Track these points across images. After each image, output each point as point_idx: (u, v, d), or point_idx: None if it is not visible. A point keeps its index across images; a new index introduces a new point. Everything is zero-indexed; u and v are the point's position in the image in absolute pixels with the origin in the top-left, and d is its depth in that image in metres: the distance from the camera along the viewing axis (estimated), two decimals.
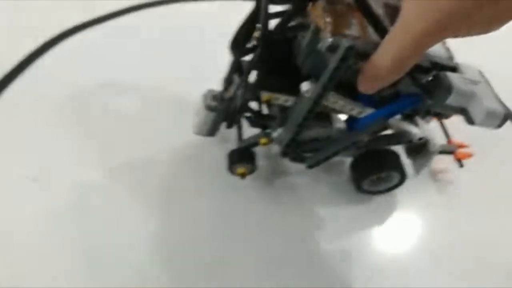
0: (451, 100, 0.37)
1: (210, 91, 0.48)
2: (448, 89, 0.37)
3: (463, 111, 0.38)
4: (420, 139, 0.44)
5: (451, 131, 0.55)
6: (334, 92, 0.39)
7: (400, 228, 0.50)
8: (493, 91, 0.39)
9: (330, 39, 0.35)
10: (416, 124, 0.44)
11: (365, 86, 0.35)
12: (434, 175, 0.55)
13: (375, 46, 0.34)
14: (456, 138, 0.55)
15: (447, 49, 0.40)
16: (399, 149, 0.50)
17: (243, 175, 0.47)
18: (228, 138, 0.54)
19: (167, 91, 0.59)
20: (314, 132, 0.43)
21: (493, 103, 0.37)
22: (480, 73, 0.41)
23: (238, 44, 0.41)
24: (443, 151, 0.52)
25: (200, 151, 0.53)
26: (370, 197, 0.51)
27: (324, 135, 0.44)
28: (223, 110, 0.47)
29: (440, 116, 0.43)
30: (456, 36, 0.36)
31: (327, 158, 0.44)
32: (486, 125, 0.37)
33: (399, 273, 0.46)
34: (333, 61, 0.35)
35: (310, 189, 0.51)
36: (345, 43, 0.34)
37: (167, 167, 0.51)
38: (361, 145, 0.43)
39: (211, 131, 0.50)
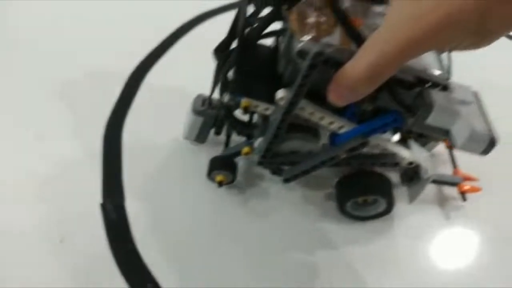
0: (431, 120, 0.34)
1: (199, 95, 0.48)
2: (428, 107, 0.34)
3: (446, 133, 0.35)
4: (411, 164, 0.41)
5: (464, 162, 0.51)
6: (310, 102, 0.37)
7: (366, 252, 0.46)
8: (484, 114, 0.35)
9: (300, 44, 0.33)
10: (408, 148, 0.41)
11: (334, 96, 0.33)
12: (441, 204, 0.50)
13: (352, 55, 0.32)
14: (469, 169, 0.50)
15: (443, 66, 0.37)
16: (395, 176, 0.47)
17: (220, 183, 0.46)
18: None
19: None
20: (293, 144, 0.41)
21: (479, 126, 0.33)
22: (475, 94, 0.37)
23: (221, 48, 0.40)
24: (446, 182, 0.48)
25: (188, 154, 0.52)
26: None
27: (304, 149, 0.42)
28: (212, 116, 0.47)
29: (424, 137, 0.39)
30: (442, 49, 0.33)
31: (304, 173, 0.42)
32: (469, 150, 0.34)
33: None
34: (303, 67, 0.34)
35: (286, 203, 0.48)
36: (314, 48, 0.32)
37: (151, 167, 0.51)
38: (338, 161, 0.40)
39: (200, 136, 0.49)
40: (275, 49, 0.42)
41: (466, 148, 0.34)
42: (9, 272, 0.42)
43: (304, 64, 0.33)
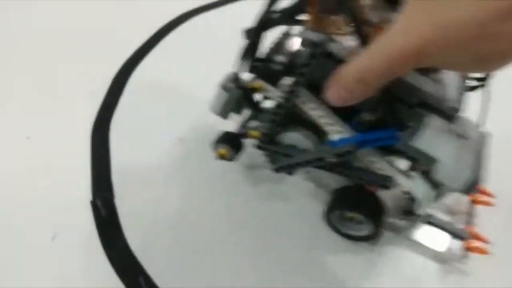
0: (418, 142, 0.32)
1: (234, 72, 0.49)
2: (416, 128, 0.32)
3: (432, 161, 0.32)
4: (406, 193, 0.39)
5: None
6: (312, 96, 0.37)
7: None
8: (479, 154, 0.32)
9: (305, 33, 0.34)
10: (408, 176, 0.39)
11: (330, 93, 0.32)
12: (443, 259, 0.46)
13: (351, 53, 0.32)
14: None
15: (460, 98, 0.35)
16: None
17: (221, 157, 0.47)
18: None
19: None
20: (292, 136, 0.41)
21: (463, 162, 0.31)
22: (482, 135, 0.34)
23: (252, 29, 0.42)
24: (450, 231, 0.44)
25: (177, 150, 0.55)
26: None
27: (302, 145, 0.41)
28: (235, 94, 0.48)
29: (415, 162, 0.37)
30: (438, 66, 0.32)
31: (291, 167, 0.41)
32: (448, 183, 0.31)
33: None
34: (303, 56, 0.34)
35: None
36: (314, 38, 0.33)
37: (141, 163, 0.53)
38: (326, 166, 0.39)
39: (223, 112, 0.51)
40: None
41: (445, 180, 0.31)
42: (1, 272, 0.43)
43: (305, 53, 0.33)
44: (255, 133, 0.45)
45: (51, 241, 0.45)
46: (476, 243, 0.44)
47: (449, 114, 0.33)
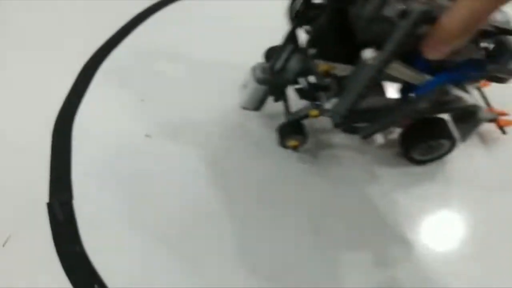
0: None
1: (259, 63, 0.48)
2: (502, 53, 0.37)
3: None
4: (473, 106, 0.45)
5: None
6: (399, 60, 0.39)
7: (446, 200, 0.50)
8: None
9: (401, 5, 0.34)
10: (467, 92, 0.45)
11: (433, 50, 0.35)
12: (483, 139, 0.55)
13: (444, 10, 0.33)
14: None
15: (504, 14, 0.40)
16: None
17: (295, 147, 0.47)
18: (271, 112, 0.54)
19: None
20: (371, 101, 0.43)
21: None
22: None
23: (298, 12, 0.40)
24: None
25: (246, 124, 0.53)
26: (415, 167, 0.51)
27: (381, 105, 0.44)
28: (272, 83, 0.47)
29: (499, 80, 0.43)
30: None
31: (384, 128, 0.44)
32: None
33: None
34: (403, 26, 0.35)
35: (356, 161, 0.51)
36: (419, 8, 0.34)
37: (215, 139, 0.51)
38: (421, 112, 0.43)
39: (259, 104, 0.49)
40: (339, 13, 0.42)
41: None
42: None
43: (407, 23, 0.34)
44: (315, 112, 0.46)
45: (2, 247, 0.42)
46: (503, 118, 0.54)
47: None
